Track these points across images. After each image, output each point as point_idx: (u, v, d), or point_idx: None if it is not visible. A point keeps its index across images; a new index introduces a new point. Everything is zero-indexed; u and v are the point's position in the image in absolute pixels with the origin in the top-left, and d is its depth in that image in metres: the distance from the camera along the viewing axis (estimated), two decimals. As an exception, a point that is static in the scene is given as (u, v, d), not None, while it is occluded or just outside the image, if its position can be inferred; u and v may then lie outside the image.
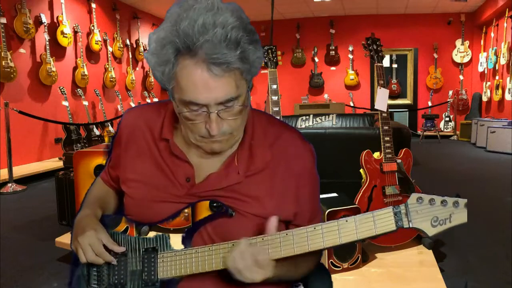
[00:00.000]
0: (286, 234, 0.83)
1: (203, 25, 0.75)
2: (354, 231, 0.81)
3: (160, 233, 0.91)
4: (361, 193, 2.33)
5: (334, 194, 2.33)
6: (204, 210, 0.89)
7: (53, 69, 6.16)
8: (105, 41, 7.60)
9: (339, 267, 2.14)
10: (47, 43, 6.01)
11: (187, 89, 0.79)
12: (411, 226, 0.79)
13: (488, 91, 8.61)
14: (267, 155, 0.91)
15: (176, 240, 0.90)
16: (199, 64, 0.77)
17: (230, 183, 0.89)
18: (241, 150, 0.91)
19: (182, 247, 0.89)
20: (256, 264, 0.80)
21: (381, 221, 0.80)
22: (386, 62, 9.77)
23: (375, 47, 2.46)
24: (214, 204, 0.89)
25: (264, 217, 0.87)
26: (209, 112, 0.80)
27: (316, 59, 10.07)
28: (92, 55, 7.36)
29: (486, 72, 8.90)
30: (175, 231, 0.90)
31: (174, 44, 0.77)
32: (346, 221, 0.81)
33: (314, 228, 0.82)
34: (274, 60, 2.67)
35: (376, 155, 2.37)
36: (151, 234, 0.92)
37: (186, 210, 0.90)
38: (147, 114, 0.98)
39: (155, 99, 8.96)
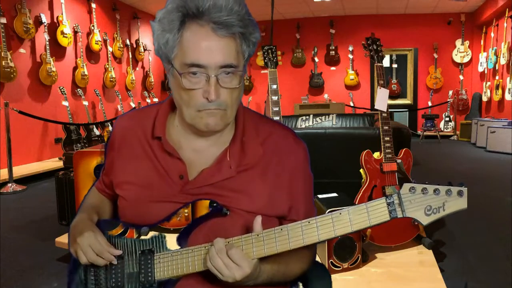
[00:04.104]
0: (281, 229, 0.83)
1: None
2: (348, 223, 0.81)
3: (156, 234, 0.91)
4: (361, 193, 2.33)
5: (334, 194, 2.33)
6: (203, 210, 0.90)
7: (53, 69, 6.16)
8: (105, 41, 7.60)
9: (339, 267, 2.14)
10: (47, 43, 6.01)
11: (191, 51, 0.83)
12: (404, 215, 0.79)
13: (488, 91, 8.61)
14: (259, 151, 0.93)
15: (172, 241, 0.90)
16: (203, 26, 0.83)
17: (222, 178, 0.90)
18: (232, 146, 0.92)
19: (178, 247, 0.89)
20: (233, 261, 0.81)
21: (374, 212, 0.80)
22: (386, 62, 9.77)
23: (375, 47, 2.46)
24: (214, 204, 0.89)
25: (257, 213, 0.88)
26: (209, 76, 0.83)
27: (316, 59, 10.06)
28: (92, 55, 7.36)
29: (486, 72, 8.90)
30: (175, 231, 0.90)
31: (182, 9, 0.83)
32: (340, 213, 0.82)
33: (309, 222, 0.83)
34: (274, 60, 2.66)
35: (376, 155, 2.37)
36: (148, 235, 0.92)
37: (186, 210, 0.90)
38: (139, 116, 1.00)
39: (155, 99, 8.96)
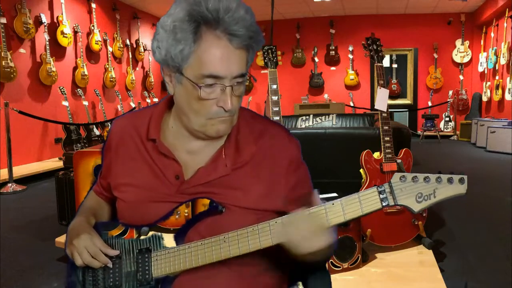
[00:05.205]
0: (276, 222, 0.85)
1: (227, 5, 0.82)
2: (341, 212, 0.83)
3: (154, 234, 0.92)
4: (361, 193, 2.33)
5: (334, 194, 2.33)
6: (203, 209, 0.90)
7: (53, 69, 6.16)
8: (105, 41, 7.60)
9: (339, 267, 2.14)
10: (47, 43, 6.01)
11: (209, 62, 0.83)
12: (396, 203, 0.81)
13: (488, 91, 8.61)
14: (253, 148, 0.94)
15: (169, 240, 0.91)
16: (220, 37, 0.83)
17: (218, 176, 0.91)
18: (227, 145, 0.93)
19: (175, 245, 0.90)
20: (314, 233, 0.83)
21: (367, 201, 0.82)
22: (386, 62, 9.77)
23: (375, 47, 2.46)
24: (214, 204, 0.89)
25: (253, 209, 0.89)
26: (225, 86, 0.85)
27: (316, 59, 10.07)
28: (92, 55, 7.36)
29: (486, 72, 8.90)
30: (175, 231, 0.91)
31: (197, 19, 0.82)
32: (333, 204, 0.84)
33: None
34: (274, 60, 2.66)
35: (376, 155, 2.37)
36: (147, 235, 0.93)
37: (186, 210, 0.90)
38: (134, 118, 1.01)
39: (155, 99, 8.96)
